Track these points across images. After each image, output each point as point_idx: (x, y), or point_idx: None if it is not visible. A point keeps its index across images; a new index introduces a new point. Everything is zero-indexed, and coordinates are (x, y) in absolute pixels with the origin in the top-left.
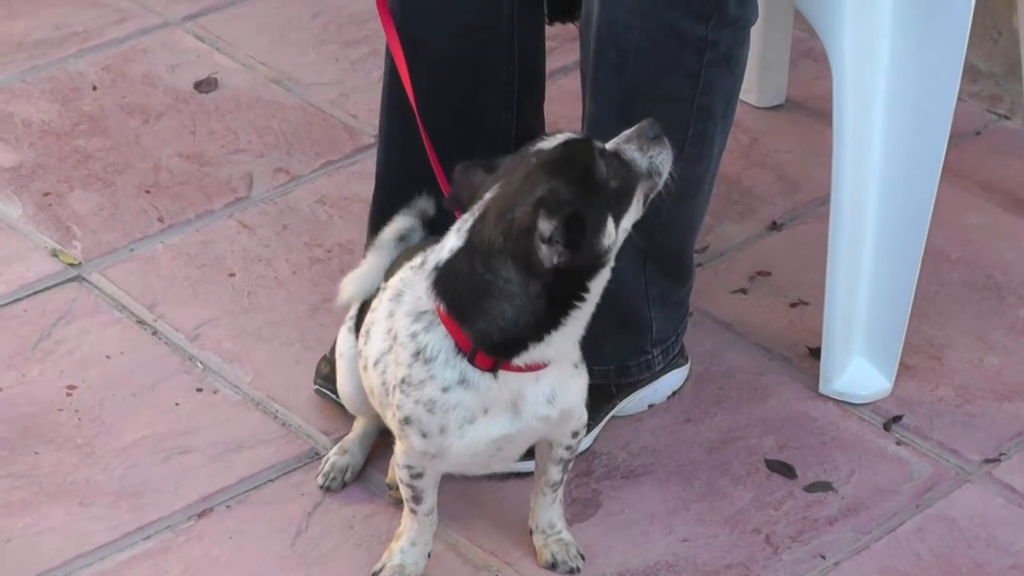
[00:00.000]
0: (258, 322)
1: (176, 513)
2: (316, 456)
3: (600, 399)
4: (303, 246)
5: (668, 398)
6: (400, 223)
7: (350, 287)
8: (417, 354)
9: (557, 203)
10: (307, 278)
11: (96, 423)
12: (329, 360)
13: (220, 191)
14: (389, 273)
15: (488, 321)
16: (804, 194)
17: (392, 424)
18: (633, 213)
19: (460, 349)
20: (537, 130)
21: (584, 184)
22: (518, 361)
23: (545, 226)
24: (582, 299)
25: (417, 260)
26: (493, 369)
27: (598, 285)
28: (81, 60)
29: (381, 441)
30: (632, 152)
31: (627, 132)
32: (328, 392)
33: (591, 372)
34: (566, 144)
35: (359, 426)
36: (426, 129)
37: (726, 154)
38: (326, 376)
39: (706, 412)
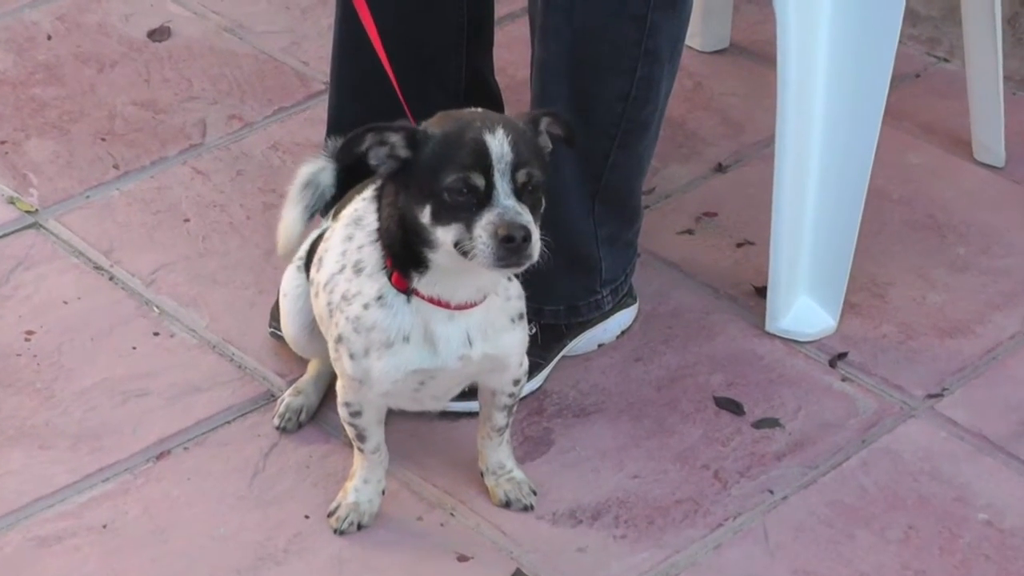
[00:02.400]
0: (213, 266)
1: (135, 455)
2: (272, 398)
3: (550, 339)
4: (257, 191)
5: (617, 337)
6: (306, 169)
7: (280, 241)
8: (356, 266)
9: (415, 126)
10: (261, 223)
11: (55, 367)
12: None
13: (174, 138)
14: (341, 206)
15: (385, 231)
16: (748, 136)
17: (331, 349)
18: (445, 223)
19: (385, 264)
20: (486, 75)
21: (450, 138)
22: (421, 288)
23: (391, 134)
24: (427, 246)
25: (368, 192)
26: (406, 292)
27: (438, 250)
28: (35, 10)
29: (335, 382)
30: (483, 236)
31: (503, 211)
32: (282, 334)
33: (541, 312)
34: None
35: (313, 368)
36: (381, 71)
37: (672, 98)
38: (279, 319)
39: (655, 351)
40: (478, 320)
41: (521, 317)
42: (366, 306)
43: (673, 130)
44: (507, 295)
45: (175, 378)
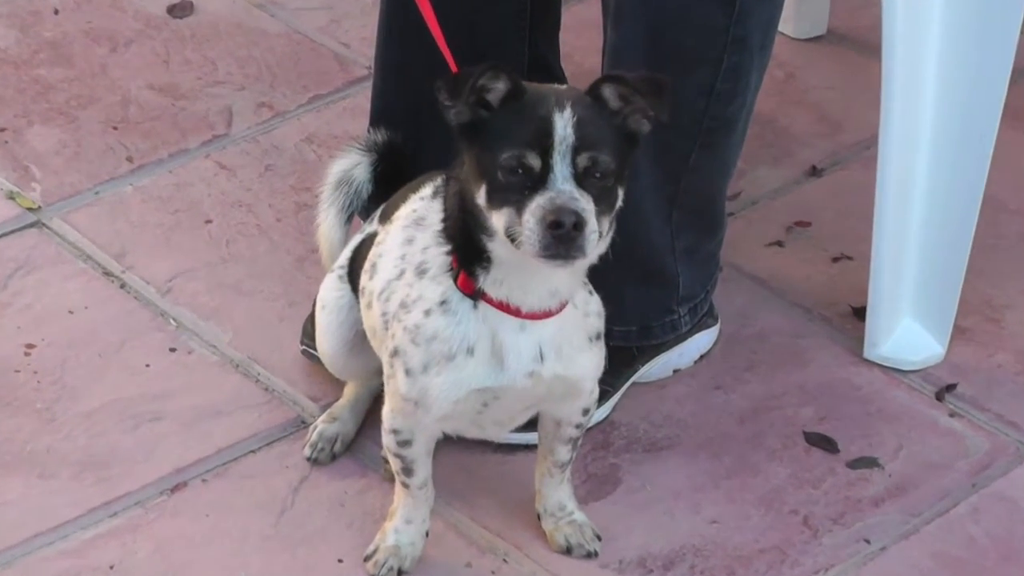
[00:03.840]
0: (238, 274)
1: (147, 487)
2: (302, 424)
3: (620, 363)
4: (288, 190)
5: (695, 362)
6: (338, 166)
7: (323, 251)
8: (419, 268)
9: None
10: (292, 226)
11: (57, 386)
12: (311, 314)
13: (196, 128)
14: (392, 206)
15: (449, 221)
16: (847, 136)
17: (385, 366)
18: (498, 206)
19: (451, 265)
20: (551, 61)
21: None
22: (489, 290)
23: (502, 79)
24: (485, 233)
25: (427, 190)
26: (473, 295)
27: (494, 239)
28: None
29: (374, 408)
30: (531, 222)
31: (557, 194)
32: (316, 352)
33: (609, 333)
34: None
35: (350, 391)
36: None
37: (761, 91)
38: (313, 335)
39: (738, 378)
40: (552, 334)
41: (599, 337)
42: (427, 312)
43: (762, 128)
44: (586, 310)
45: (193, 400)
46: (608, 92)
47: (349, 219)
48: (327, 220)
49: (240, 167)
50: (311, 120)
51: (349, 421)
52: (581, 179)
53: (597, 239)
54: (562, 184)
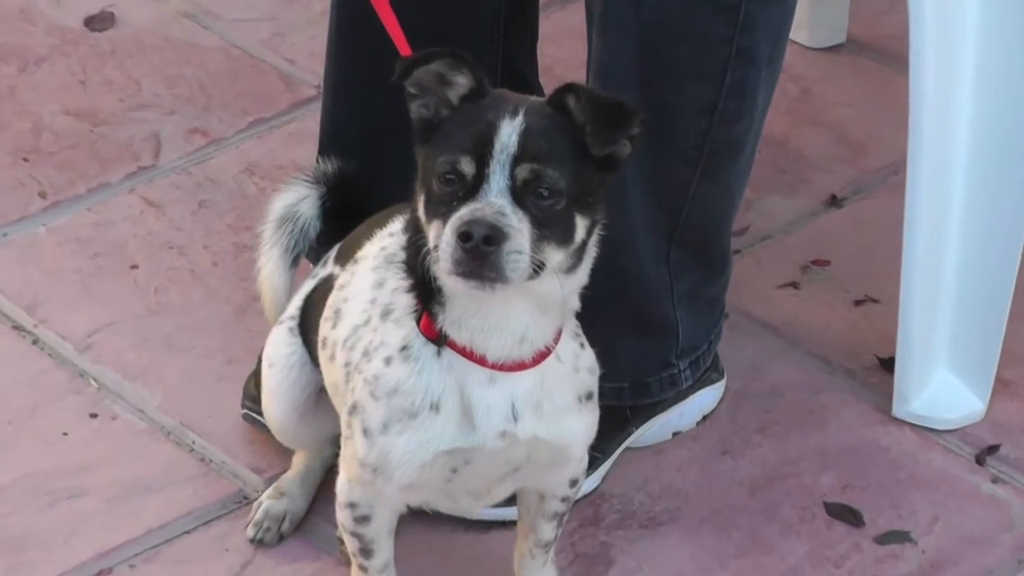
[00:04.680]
0: (169, 328)
1: (67, 573)
2: (245, 500)
3: (611, 425)
4: (226, 229)
5: (698, 424)
6: (281, 201)
7: (265, 300)
8: (384, 310)
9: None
10: (231, 270)
11: None
12: (256, 373)
13: (119, 158)
14: (352, 245)
15: (407, 247)
16: (871, 160)
17: (343, 426)
18: (430, 217)
19: (416, 306)
20: (528, 75)
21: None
22: (451, 333)
23: (464, 73)
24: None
25: (397, 224)
26: (436, 340)
27: (440, 247)
28: None
29: (327, 480)
30: (447, 233)
31: (483, 206)
32: (260, 417)
33: (599, 390)
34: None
35: (299, 462)
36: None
37: (771, 110)
38: (257, 397)
39: (747, 442)
40: (529, 388)
41: (591, 397)
42: (388, 360)
43: (773, 151)
44: (576, 364)
45: (118, 473)
46: (573, 103)
47: (295, 262)
48: (270, 263)
49: (170, 203)
50: (251, 148)
51: (299, 496)
52: (520, 194)
53: (527, 264)
54: (494, 196)
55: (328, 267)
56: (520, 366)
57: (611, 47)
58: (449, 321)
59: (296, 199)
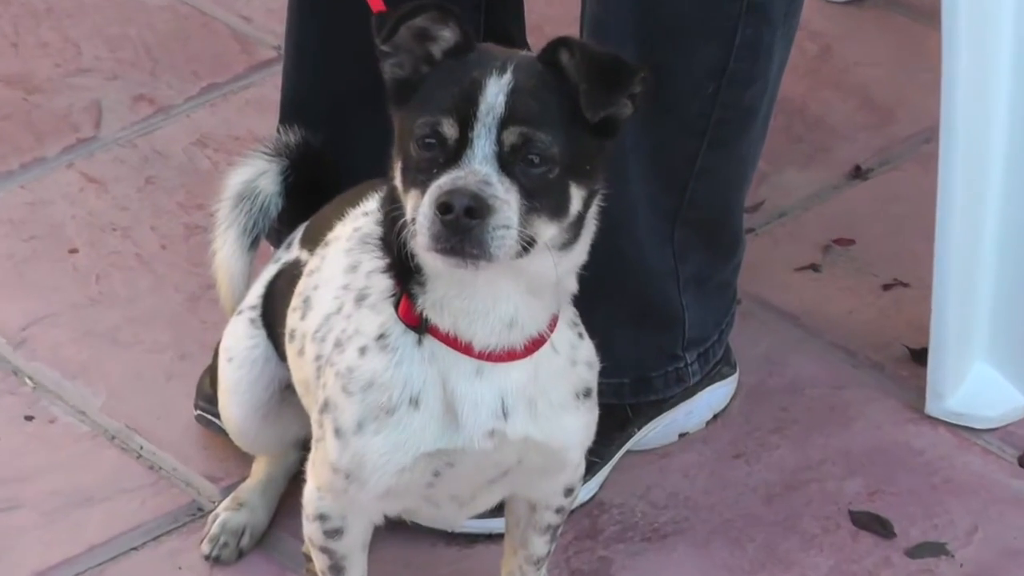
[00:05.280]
0: (113, 319)
1: None
2: (199, 513)
3: (610, 426)
4: (176, 208)
5: (708, 424)
6: (240, 175)
7: (221, 286)
8: (359, 295)
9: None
10: (182, 254)
11: None
12: (211, 368)
13: (55, 129)
14: (320, 226)
15: (383, 223)
16: (899, 127)
17: (314, 423)
18: (407, 186)
19: (395, 289)
20: (513, 34)
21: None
22: (434, 318)
23: (450, 27)
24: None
25: (372, 202)
26: (418, 327)
27: (418, 218)
28: None
29: (292, 490)
30: (425, 205)
31: (466, 174)
32: (216, 419)
33: (598, 387)
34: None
35: (260, 470)
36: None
37: (787, 71)
38: (212, 396)
39: (763, 444)
40: (520, 382)
41: (589, 394)
42: (363, 351)
43: (789, 118)
44: (573, 356)
45: (57, 483)
46: (566, 59)
47: (254, 244)
48: (226, 246)
49: (113, 180)
50: (204, 117)
51: (260, 508)
52: (508, 161)
53: (514, 240)
54: (479, 163)
55: (293, 250)
56: (510, 356)
57: (607, 3)
58: (430, 304)
59: (255, 174)
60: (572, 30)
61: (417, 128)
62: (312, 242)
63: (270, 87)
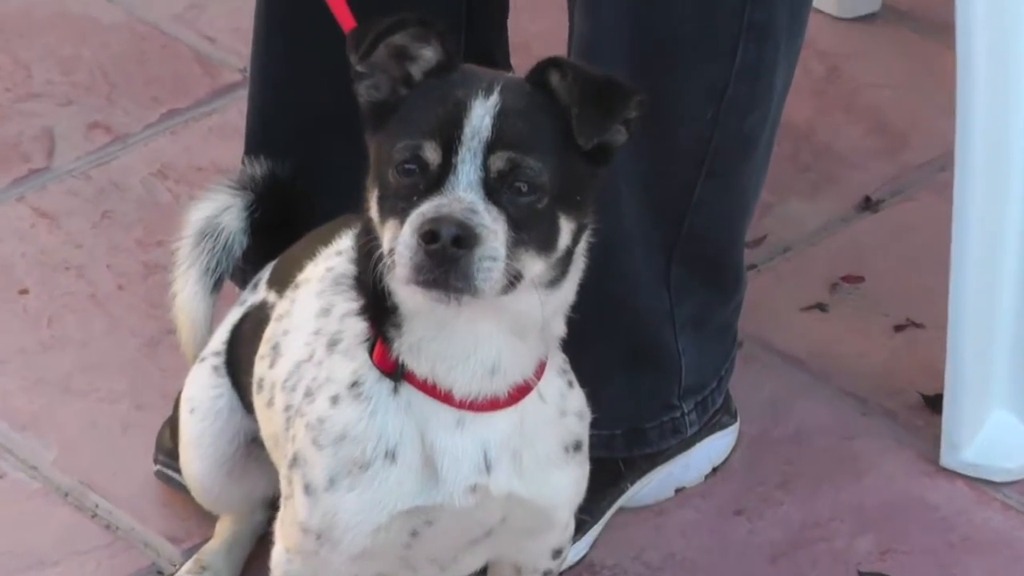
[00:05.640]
0: (65, 366)
1: None
2: (159, 575)
3: (602, 480)
4: (133, 245)
5: (707, 478)
6: (202, 210)
7: (182, 331)
8: (331, 340)
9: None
10: (140, 295)
11: None
12: (171, 419)
13: (5, 159)
14: (289, 266)
15: (357, 260)
16: (913, 153)
17: (283, 479)
18: (384, 216)
19: (368, 334)
20: (496, 55)
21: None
22: (411, 364)
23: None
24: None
25: (345, 240)
26: (393, 373)
27: (399, 251)
28: None
29: (260, 552)
30: (406, 233)
31: (450, 201)
32: (177, 475)
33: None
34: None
35: (225, 529)
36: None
37: (792, 93)
38: (173, 450)
39: (767, 499)
40: (505, 433)
41: (579, 448)
42: (335, 400)
43: (795, 144)
44: (562, 407)
45: (7, 544)
46: (557, 81)
47: (217, 285)
48: (187, 287)
49: (66, 214)
50: (164, 146)
51: (224, 571)
52: (495, 188)
53: (501, 274)
54: (463, 190)
55: (259, 292)
56: (493, 404)
57: (597, 20)
58: (407, 347)
59: (218, 209)
60: (560, 49)
61: (396, 153)
62: (281, 283)
63: (235, 113)
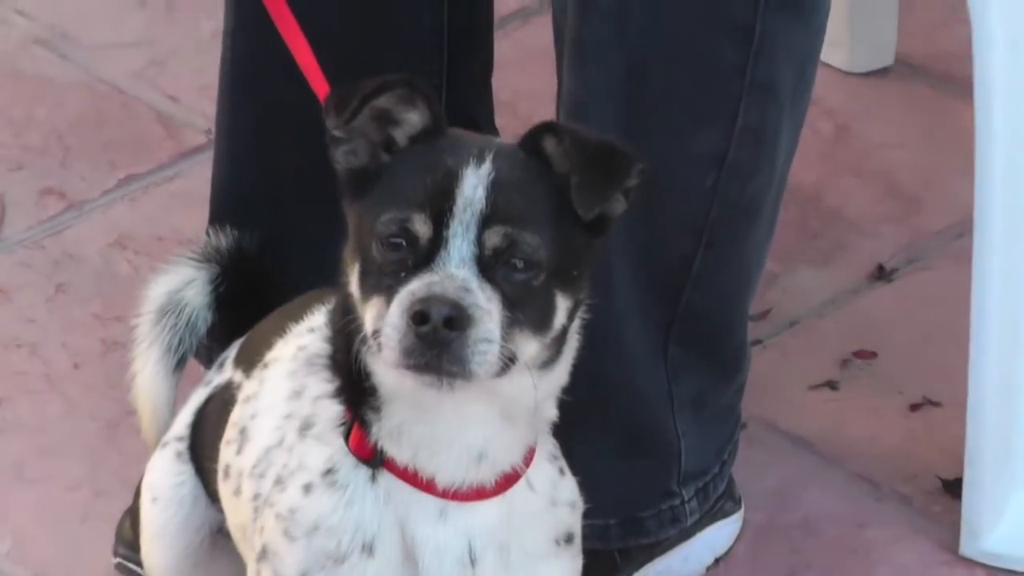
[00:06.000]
0: (18, 450)
1: None
2: None
3: (595, 575)
4: (91, 320)
5: (709, 570)
6: (164, 284)
7: (143, 416)
8: (304, 424)
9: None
10: (98, 375)
11: None
12: (132, 508)
13: None
14: (257, 344)
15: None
16: (928, 219)
17: (250, 572)
18: (368, 293)
19: (345, 417)
20: (479, 117)
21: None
22: (391, 450)
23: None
24: (364, 342)
25: (317, 317)
26: (371, 460)
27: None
28: None
29: None
30: (394, 314)
31: (441, 279)
32: (139, 568)
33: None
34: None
35: None
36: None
37: (798, 155)
38: (132, 542)
39: None
40: (490, 525)
41: (571, 540)
42: (307, 489)
43: (802, 209)
44: (553, 496)
45: None
46: (552, 147)
47: (180, 364)
48: (148, 367)
49: (18, 288)
50: (123, 214)
51: None
52: (489, 265)
53: (496, 357)
54: (455, 267)
55: (225, 371)
56: (479, 494)
57: (587, 77)
58: (386, 432)
59: (180, 283)
60: (548, 108)
61: (381, 225)
62: (248, 363)
63: (199, 178)
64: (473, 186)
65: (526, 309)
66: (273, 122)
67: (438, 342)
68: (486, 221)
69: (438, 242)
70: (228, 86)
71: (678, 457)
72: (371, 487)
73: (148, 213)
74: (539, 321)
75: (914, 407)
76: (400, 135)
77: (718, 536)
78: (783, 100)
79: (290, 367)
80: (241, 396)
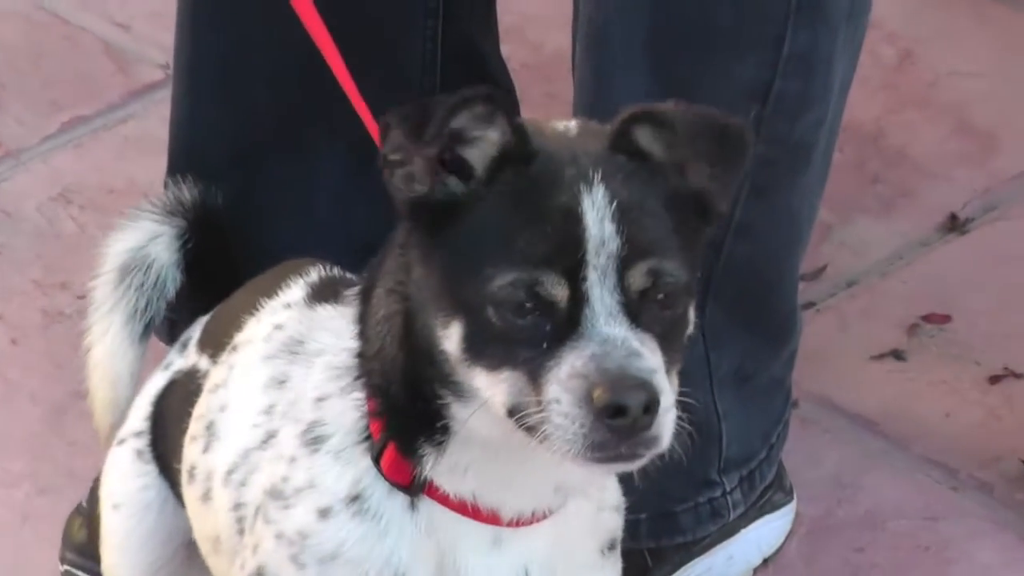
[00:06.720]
0: None
1: None
2: None
3: None
4: (31, 288)
5: (756, 572)
6: (125, 240)
7: (97, 402)
8: (308, 433)
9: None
10: (40, 352)
11: None
12: (88, 514)
13: None
14: (225, 323)
15: (378, 357)
16: (1007, 159)
17: None
18: (491, 364)
19: (368, 431)
20: (484, 47)
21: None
22: (440, 481)
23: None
24: (453, 393)
25: (295, 290)
26: (411, 488)
27: (471, 406)
28: None
29: None
30: (564, 401)
31: (604, 347)
32: None
33: None
34: None
35: None
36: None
37: (855, 86)
38: (82, 546)
39: None
40: (545, 547)
41: (614, 547)
42: (324, 513)
43: (860, 150)
44: (600, 500)
45: None
46: (645, 138)
47: (147, 331)
48: (108, 337)
49: None
50: (67, 163)
51: None
52: (637, 311)
53: (675, 417)
54: (606, 325)
55: (189, 356)
56: (539, 518)
57: (607, 4)
58: (446, 468)
59: (145, 238)
60: (563, 34)
61: (500, 291)
62: (215, 345)
63: (156, 120)
64: (597, 220)
65: (675, 343)
66: (242, 57)
67: (636, 431)
68: (626, 262)
69: (577, 297)
70: (189, 14)
71: (718, 440)
72: (409, 516)
73: (97, 162)
74: (682, 351)
75: (993, 379)
76: (476, 156)
77: (766, 533)
78: (836, 22)
79: (265, 350)
80: (207, 385)
